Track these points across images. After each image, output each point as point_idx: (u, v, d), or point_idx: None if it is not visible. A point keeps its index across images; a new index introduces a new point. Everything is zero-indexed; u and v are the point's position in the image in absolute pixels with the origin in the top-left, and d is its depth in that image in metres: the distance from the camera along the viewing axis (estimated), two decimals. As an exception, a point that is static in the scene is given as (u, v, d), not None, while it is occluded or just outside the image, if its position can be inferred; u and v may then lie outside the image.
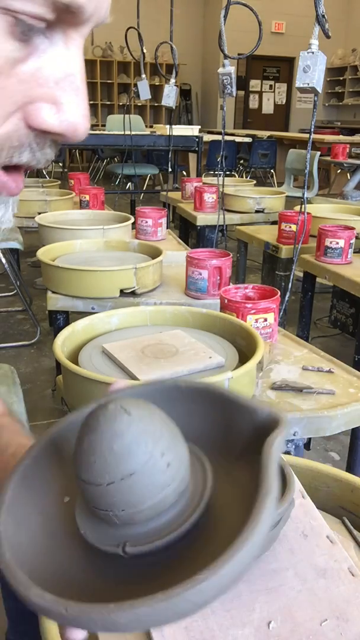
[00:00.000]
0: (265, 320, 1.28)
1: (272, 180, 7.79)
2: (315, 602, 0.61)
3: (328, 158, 5.74)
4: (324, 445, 2.17)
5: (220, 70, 2.05)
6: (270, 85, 11.39)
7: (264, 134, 7.67)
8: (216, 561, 0.28)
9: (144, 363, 1.07)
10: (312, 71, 1.47)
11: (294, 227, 2.42)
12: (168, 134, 3.44)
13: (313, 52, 1.46)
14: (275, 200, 3.30)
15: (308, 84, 1.48)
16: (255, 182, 4.16)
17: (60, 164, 7.99)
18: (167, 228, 2.47)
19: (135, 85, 3.17)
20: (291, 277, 1.87)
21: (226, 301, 1.29)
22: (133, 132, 3.72)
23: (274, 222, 3.02)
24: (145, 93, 3.06)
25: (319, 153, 5.01)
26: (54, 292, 1.66)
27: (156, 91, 8.63)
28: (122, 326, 1.28)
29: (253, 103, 11.36)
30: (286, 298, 1.86)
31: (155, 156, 6.47)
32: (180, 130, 4.58)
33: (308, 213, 2.24)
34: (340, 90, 11.39)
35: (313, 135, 1.74)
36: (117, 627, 0.30)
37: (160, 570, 0.32)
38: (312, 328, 2.86)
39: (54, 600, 0.30)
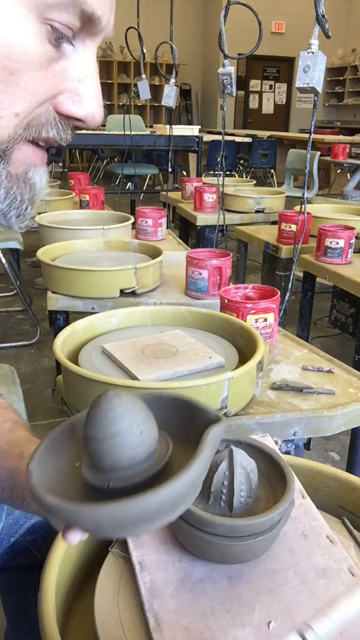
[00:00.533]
0: (265, 320, 1.28)
1: (272, 180, 7.79)
2: (315, 602, 0.61)
3: (328, 158, 5.74)
4: (324, 445, 2.17)
5: (220, 70, 2.05)
6: (270, 85, 11.39)
7: (264, 134, 7.67)
8: (156, 487, 0.46)
9: (144, 363, 1.07)
10: (312, 71, 1.47)
11: (294, 227, 2.42)
12: (168, 134, 3.43)
13: (313, 52, 1.46)
14: (275, 200, 3.30)
15: (308, 84, 1.48)
16: (255, 182, 4.16)
17: (60, 164, 7.98)
18: (167, 228, 2.47)
19: (135, 85, 3.17)
20: (291, 277, 1.87)
21: (226, 301, 1.29)
22: (133, 132, 3.72)
23: (274, 222, 3.02)
24: (145, 93, 3.06)
25: (319, 153, 5.01)
26: (54, 292, 1.66)
27: (156, 91, 8.63)
28: (122, 326, 1.28)
29: (253, 103, 11.36)
30: (286, 298, 1.86)
31: (155, 156, 6.47)
32: (180, 130, 4.58)
33: (308, 213, 2.23)
34: (340, 90, 11.39)
35: (313, 135, 1.74)
36: (97, 522, 0.46)
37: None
38: (312, 328, 2.86)
39: (59, 500, 0.47)
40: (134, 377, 1.02)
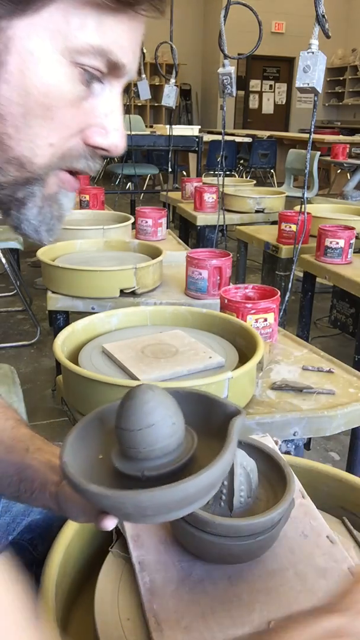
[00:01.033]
0: (265, 320, 1.28)
1: (272, 180, 7.78)
2: (315, 602, 0.61)
3: (328, 158, 5.74)
4: (324, 445, 2.17)
5: (220, 70, 2.05)
6: (270, 85, 11.38)
7: (264, 134, 7.67)
8: (194, 474, 0.50)
9: (144, 363, 1.07)
10: (312, 71, 1.47)
11: (294, 227, 2.42)
12: (168, 134, 3.43)
13: (313, 52, 1.46)
14: (275, 200, 3.30)
15: (308, 84, 1.48)
16: (255, 182, 4.16)
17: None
18: (167, 228, 2.46)
19: (135, 85, 3.17)
20: (291, 277, 1.87)
21: (226, 301, 1.29)
22: (133, 132, 3.72)
23: (274, 222, 3.02)
24: (145, 93, 3.06)
25: (319, 153, 5.01)
26: (54, 292, 1.66)
27: (156, 91, 8.63)
28: (122, 326, 1.28)
29: (253, 103, 11.36)
30: (286, 298, 1.86)
31: (155, 156, 6.47)
32: (180, 130, 4.58)
33: (308, 213, 2.23)
34: (340, 90, 11.38)
35: (313, 135, 1.74)
36: (141, 507, 0.49)
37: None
38: (312, 328, 2.86)
39: (104, 488, 0.50)
40: (134, 377, 1.02)
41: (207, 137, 5.91)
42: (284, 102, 11.57)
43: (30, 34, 0.43)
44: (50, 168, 0.48)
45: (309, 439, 1.82)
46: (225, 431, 0.56)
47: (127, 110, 3.96)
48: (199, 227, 3.23)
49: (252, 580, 0.64)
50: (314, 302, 2.62)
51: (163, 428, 0.53)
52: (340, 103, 11.46)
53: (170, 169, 3.72)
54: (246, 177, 6.94)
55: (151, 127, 6.64)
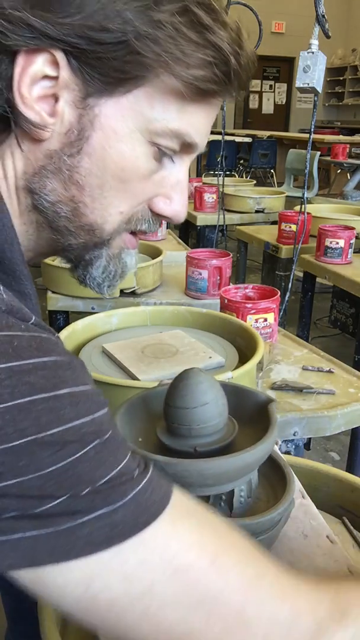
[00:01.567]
0: (265, 320, 1.28)
1: (272, 180, 7.78)
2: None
3: (328, 158, 5.74)
4: (324, 445, 2.18)
5: (220, 70, 2.04)
6: (270, 85, 11.38)
7: (264, 134, 7.66)
8: (252, 445, 0.56)
9: (144, 363, 1.07)
10: (312, 71, 1.47)
11: (294, 227, 2.42)
12: (168, 134, 3.43)
13: (313, 52, 1.46)
14: (275, 200, 3.30)
15: (308, 84, 1.48)
16: (255, 182, 4.16)
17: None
18: (167, 228, 2.46)
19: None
20: (291, 277, 1.87)
21: (226, 301, 1.29)
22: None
23: (274, 222, 3.02)
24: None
25: (319, 153, 5.01)
26: (54, 292, 1.66)
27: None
28: (122, 326, 1.28)
29: (253, 103, 11.36)
30: (286, 298, 1.86)
31: (156, 156, 6.46)
32: (180, 130, 4.57)
33: (308, 213, 2.23)
34: (340, 90, 11.38)
35: (313, 135, 1.74)
36: (204, 475, 0.54)
37: None
38: (312, 328, 2.86)
39: (169, 458, 0.55)
40: (134, 377, 1.02)
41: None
42: (284, 102, 11.57)
43: (116, 114, 0.47)
44: (118, 233, 0.53)
45: (309, 439, 1.82)
46: (257, 419, 0.63)
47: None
48: (199, 227, 3.23)
49: (252, 580, 0.64)
50: (314, 302, 2.62)
51: (215, 407, 0.58)
52: (340, 103, 11.46)
53: (170, 169, 3.72)
54: (246, 177, 6.94)
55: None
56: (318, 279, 2.47)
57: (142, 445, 0.62)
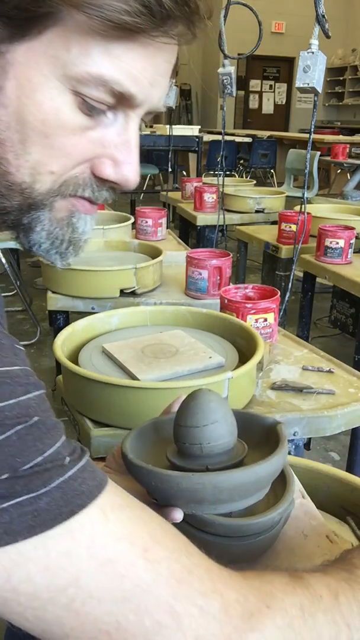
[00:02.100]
0: (265, 320, 1.28)
1: (272, 180, 7.78)
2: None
3: (328, 158, 5.73)
4: (324, 445, 2.17)
5: (220, 70, 2.05)
6: (270, 85, 11.38)
7: (264, 134, 7.67)
8: (263, 460, 0.56)
9: (144, 363, 1.07)
10: (312, 71, 1.47)
11: (294, 227, 2.42)
12: (168, 134, 3.44)
13: (313, 52, 1.46)
14: (275, 200, 3.30)
15: (308, 84, 1.48)
16: (255, 182, 4.16)
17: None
18: (167, 228, 2.46)
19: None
20: (291, 277, 1.87)
21: (226, 301, 1.29)
22: (133, 132, 3.70)
23: (274, 222, 3.02)
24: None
25: (319, 153, 5.01)
26: (54, 292, 1.66)
27: (156, 91, 8.60)
28: (122, 326, 1.28)
29: (253, 103, 11.36)
30: (286, 298, 1.86)
31: (155, 156, 6.47)
32: (180, 130, 4.58)
33: (308, 213, 2.23)
34: (340, 90, 11.38)
35: (313, 135, 1.74)
36: (218, 488, 0.54)
37: None
38: (312, 328, 2.86)
39: (184, 473, 0.55)
40: (134, 377, 1.02)
41: (207, 137, 5.91)
42: (284, 102, 11.57)
43: (29, 60, 0.42)
44: (53, 194, 0.47)
45: (309, 439, 1.82)
46: (265, 442, 0.64)
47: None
48: (199, 227, 3.23)
49: (252, 580, 0.64)
50: (314, 302, 2.62)
51: (225, 425, 0.59)
52: (340, 103, 11.46)
53: (170, 169, 3.73)
54: (246, 177, 6.94)
55: (151, 127, 6.63)
56: (318, 279, 2.47)
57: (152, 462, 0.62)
